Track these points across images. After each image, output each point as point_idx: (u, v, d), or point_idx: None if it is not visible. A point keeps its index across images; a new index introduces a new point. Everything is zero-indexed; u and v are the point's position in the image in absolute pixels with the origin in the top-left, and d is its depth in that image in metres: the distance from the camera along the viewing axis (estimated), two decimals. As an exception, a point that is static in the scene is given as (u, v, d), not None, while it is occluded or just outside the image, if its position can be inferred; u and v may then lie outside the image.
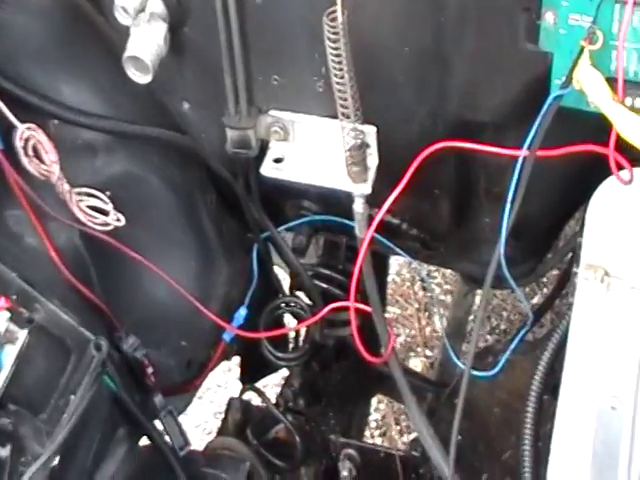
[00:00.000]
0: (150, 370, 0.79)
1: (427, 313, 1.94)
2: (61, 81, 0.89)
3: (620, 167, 0.69)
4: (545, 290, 1.82)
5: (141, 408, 0.78)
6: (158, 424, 0.82)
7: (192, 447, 0.81)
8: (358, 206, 0.78)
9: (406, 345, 1.91)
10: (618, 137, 0.67)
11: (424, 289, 1.97)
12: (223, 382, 1.74)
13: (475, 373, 0.82)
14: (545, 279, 1.78)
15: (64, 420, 0.66)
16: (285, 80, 0.83)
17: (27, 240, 0.84)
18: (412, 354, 1.89)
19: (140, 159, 0.92)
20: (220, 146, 0.87)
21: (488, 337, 1.89)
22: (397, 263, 1.96)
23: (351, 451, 0.99)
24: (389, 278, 1.91)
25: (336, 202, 0.87)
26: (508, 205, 0.72)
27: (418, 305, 1.94)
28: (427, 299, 1.96)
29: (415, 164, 0.77)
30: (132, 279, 0.88)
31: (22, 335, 0.67)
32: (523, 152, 0.72)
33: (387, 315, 1.89)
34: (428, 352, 1.86)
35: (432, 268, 1.84)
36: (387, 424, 1.81)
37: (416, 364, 1.87)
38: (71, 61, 0.90)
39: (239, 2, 0.78)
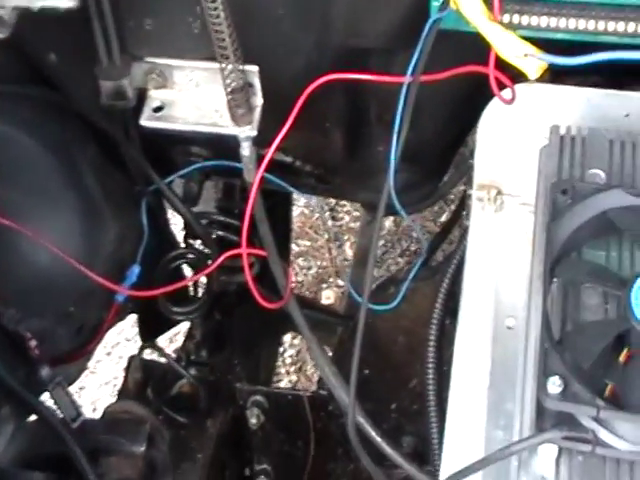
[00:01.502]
0: (34, 343, 0.78)
1: (337, 242, 1.97)
2: None
3: (504, 86, 0.72)
4: (453, 207, 1.86)
5: (26, 383, 0.77)
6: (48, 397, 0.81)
7: (85, 416, 0.81)
8: (245, 149, 0.79)
9: (318, 277, 1.94)
10: (498, 56, 0.70)
11: (333, 218, 1.99)
12: (131, 336, 1.74)
13: (375, 307, 0.84)
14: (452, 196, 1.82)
15: None
16: (158, 23, 0.82)
17: None
18: (324, 285, 1.92)
19: (9, 118, 0.89)
20: (95, 98, 0.86)
21: (399, 260, 1.93)
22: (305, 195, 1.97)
23: (258, 397, 1.01)
24: (298, 211, 1.94)
25: (225, 145, 0.87)
26: (395, 131, 0.74)
27: (328, 235, 1.97)
28: (337, 228, 1.98)
29: (301, 99, 0.77)
30: (8, 247, 0.86)
31: None
32: (407, 78, 0.74)
33: (297, 248, 1.93)
34: (340, 282, 1.90)
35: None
36: (302, 359, 1.85)
37: (329, 295, 1.90)
38: None
39: (103, -59, 0.77)
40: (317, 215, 1.97)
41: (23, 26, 0.78)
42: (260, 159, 0.81)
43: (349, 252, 1.94)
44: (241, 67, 0.76)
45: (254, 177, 0.78)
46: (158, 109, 0.83)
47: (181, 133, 0.82)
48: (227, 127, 0.79)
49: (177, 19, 0.81)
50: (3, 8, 0.75)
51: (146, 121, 0.83)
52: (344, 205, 1.97)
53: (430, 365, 0.85)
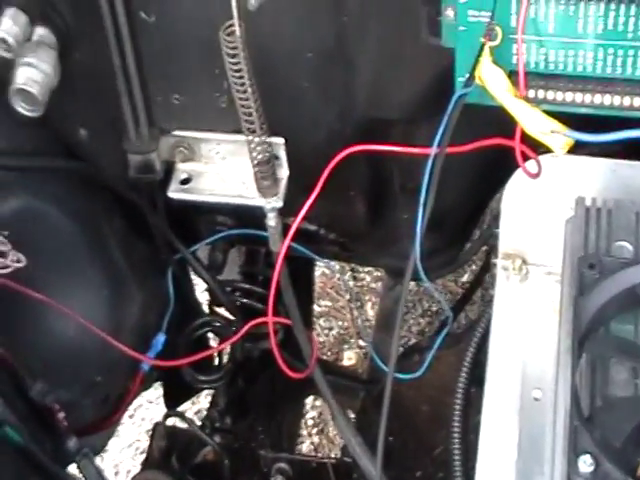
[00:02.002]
0: (62, 415, 0.79)
1: (359, 303, 1.97)
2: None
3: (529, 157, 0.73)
4: (474, 267, 1.87)
5: (53, 456, 0.77)
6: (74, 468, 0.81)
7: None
8: (271, 220, 0.80)
9: (339, 338, 1.94)
10: (524, 130, 0.71)
11: (354, 278, 2.00)
12: (154, 398, 1.74)
13: (400, 376, 0.84)
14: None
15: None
16: (186, 98, 0.83)
17: None
18: (346, 346, 1.93)
19: (38, 192, 0.91)
20: (123, 170, 0.88)
21: (421, 320, 1.93)
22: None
23: (283, 465, 1.01)
24: (319, 271, 1.94)
25: (250, 214, 0.88)
26: (421, 202, 0.75)
27: (349, 296, 1.97)
28: (358, 289, 1.99)
29: (327, 171, 0.79)
30: (36, 320, 0.87)
31: None
32: (433, 150, 0.75)
33: (318, 309, 1.93)
34: (361, 342, 1.90)
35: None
36: (324, 421, 1.84)
37: (350, 356, 1.90)
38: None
39: (131, 22, 0.79)
40: (338, 275, 1.98)
41: (54, 101, 0.80)
42: (286, 228, 0.82)
43: (370, 312, 1.95)
44: (267, 140, 0.77)
45: (280, 247, 0.80)
46: (185, 181, 0.85)
47: (207, 204, 0.84)
48: (253, 199, 0.80)
49: (204, 94, 0.83)
50: (37, 84, 0.77)
51: (173, 193, 0.84)
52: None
53: (456, 433, 0.85)
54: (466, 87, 0.72)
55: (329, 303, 1.98)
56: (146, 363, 0.92)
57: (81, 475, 0.80)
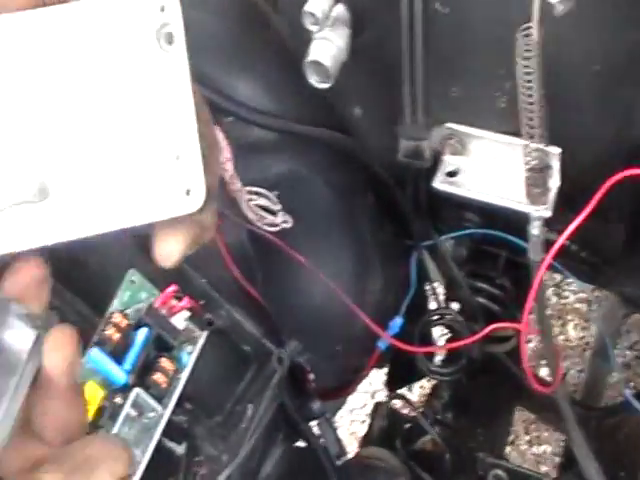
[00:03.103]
0: (312, 376, 0.82)
1: (561, 321, 1.93)
2: (235, 78, 0.93)
3: None
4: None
5: (299, 413, 0.81)
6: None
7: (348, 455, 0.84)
8: (535, 229, 0.79)
9: (537, 352, 1.90)
10: None
11: (557, 295, 1.95)
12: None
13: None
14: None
15: (241, 430, 0.70)
16: (465, 93, 0.84)
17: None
18: (543, 362, 1.89)
19: (306, 159, 0.95)
20: (388, 153, 0.90)
21: (627, 352, 1.86)
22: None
23: (500, 472, 1.00)
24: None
25: (501, 217, 0.88)
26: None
27: (551, 312, 1.93)
28: (561, 306, 1.94)
29: (600, 192, 0.77)
30: (292, 282, 0.91)
31: (202, 336, 0.71)
32: None
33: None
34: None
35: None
36: (516, 432, 1.81)
37: (547, 373, 1.86)
38: (245, 59, 0.94)
39: (426, 10, 0.80)
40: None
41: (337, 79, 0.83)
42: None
43: (572, 333, 1.89)
44: (544, 147, 0.77)
45: (540, 257, 0.79)
46: (452, 174, 0.85)
47: (470, 201, 0.84)
48: (521, 203, 0.80)
49: (484, 91, 0.83)
50: (331, 57, 0.80)
51: (439, 183, 0.85)
52: (570, 283, 1.93)
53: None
54: None
55: (530, 316, 1.94)
56: (384, 341, 0.94)
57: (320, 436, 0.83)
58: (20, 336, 0.34)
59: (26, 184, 0.35)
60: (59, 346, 0.36)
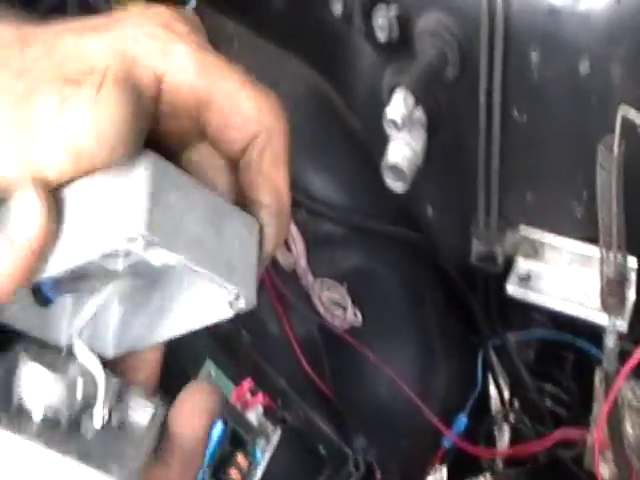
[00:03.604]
0: (379, 475, 0.82)
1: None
2: (310, 171, 0.95)
3: None
4: None
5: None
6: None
7: None
8: (610, 341, 0.78)
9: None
10: None
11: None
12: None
13: None
14: None
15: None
16: (540, 198, 0.84)
17: (269, 328, 0.89)
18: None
19: (376, 254, 0.96)
20: (459, 253, 0.90)
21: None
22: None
23: None
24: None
25: (571, 320, 0.87)
26: None
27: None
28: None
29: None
30: (359, 376, 0.91)
31: (276, 433, 0.71)
32: None
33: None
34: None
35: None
36: None
37: (604, 470, 1.82)
38: (320, 152, 0.96)
39: (503, 118, 0.81)
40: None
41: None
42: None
43: (629, 430, 1.85)
44: (622, 259, 0.77)
45: (615, 367, 0.78)
46: (524, 278, 0.85)
47: (544, 307, 0.84)
48: (596, 314, 0.80)
49: (561, 199, 0.84)
50: (408, 161, 0.82)
51: (512, 287, 0.85)
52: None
53: None
54: None
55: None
56: (448, 439, 0.92)
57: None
58: (140, 412, 0.38)
59: None
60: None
